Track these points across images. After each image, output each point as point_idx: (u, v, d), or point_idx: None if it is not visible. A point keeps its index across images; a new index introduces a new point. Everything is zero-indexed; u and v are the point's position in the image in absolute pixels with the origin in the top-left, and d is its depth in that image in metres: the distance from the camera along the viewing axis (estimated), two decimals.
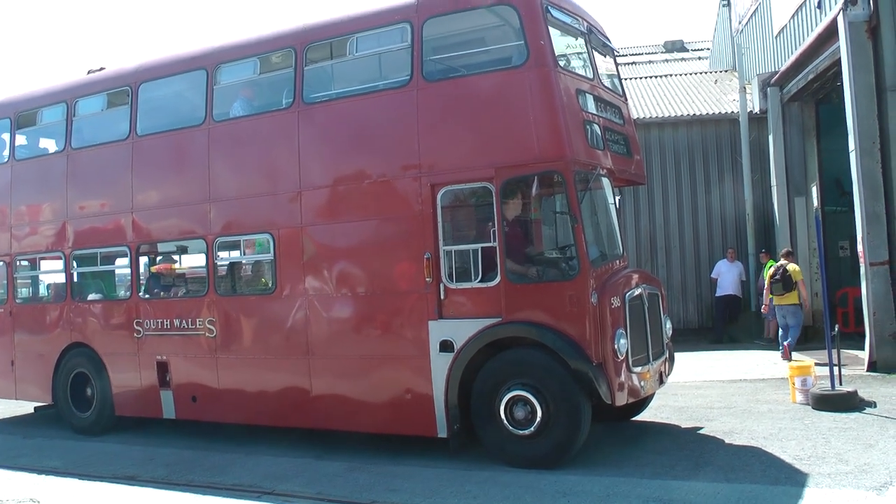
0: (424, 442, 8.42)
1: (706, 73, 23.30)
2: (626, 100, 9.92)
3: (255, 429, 9.69)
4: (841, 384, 9.91)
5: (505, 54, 8.29)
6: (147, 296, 10.41)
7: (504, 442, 7.83)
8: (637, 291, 8.27)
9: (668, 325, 9.15)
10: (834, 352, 9.86)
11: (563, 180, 7.72)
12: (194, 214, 9.83)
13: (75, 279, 11.16)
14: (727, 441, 8.40)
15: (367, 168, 8.69)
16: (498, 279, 7.86)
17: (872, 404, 9.52)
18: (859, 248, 12.23)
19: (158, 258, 10.83)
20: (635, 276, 8.58)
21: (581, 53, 8.81)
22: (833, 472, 7.03)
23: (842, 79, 12.52)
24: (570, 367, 7.51)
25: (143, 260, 10.66)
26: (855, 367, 11.86)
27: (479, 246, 8.02)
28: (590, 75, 8.70)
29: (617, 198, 9.08)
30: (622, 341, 7.68)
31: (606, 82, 9.21)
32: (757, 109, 17.28)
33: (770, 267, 13.70)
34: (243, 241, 9.91)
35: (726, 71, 22.10)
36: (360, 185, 8.69)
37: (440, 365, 8.06)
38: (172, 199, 10.06)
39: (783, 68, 15.84)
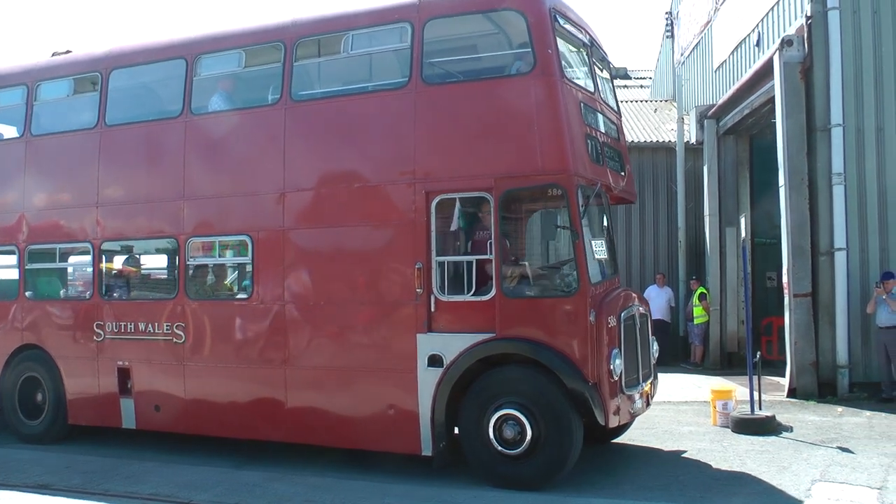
0: (352, 453, 8.31)
1: (647, 101, 23.54)
2: (621, 115, 9.76)
3: (174, 437, 9.34)
4: (760, 409, 10.14)
5: (510, 61, 8.02)
6: (109, 297, 9.79)
7: (492, 461, 7.53)
8: (632, 311, 8.08)
9: (655, 346, 8.99)
10: (755, 378, 10.12)
11: (565, 194, 7.47)
12: (166, 212, 9.29)
13: (30, 276, 10.44)
14: (648, 461, 8.51)
15: (358, 171, 8.33)
16: (493, 293, 7.56)
17: (789, 429, 9.76)
18: (784, 279, 12.54)
19: (124, 257, 10.23)
20: (631, 296, 8.41)
21: (583, 65, 8.61)
22: (747, 493, 7.23)
23: (775, 116, 12.82)
24: (565, 387, 7.26)
25: (107, 258, 10.00)
26: (775, 393, 12.16)
27: (473, 258, 7.73)
28: (591, 88, 8.50)
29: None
30: (617, 361, 7.49)
31: (606, 96, 9.03)
32: (693, 140, 17.45)
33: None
34: (219, 242, 9.41)
35: (666, 100, 22.33)
36: (349, 188, 8.32)
37: (427, 380, 7.73)
38: (142, 194, 9.48)
39: (720, 102, 16.13)
